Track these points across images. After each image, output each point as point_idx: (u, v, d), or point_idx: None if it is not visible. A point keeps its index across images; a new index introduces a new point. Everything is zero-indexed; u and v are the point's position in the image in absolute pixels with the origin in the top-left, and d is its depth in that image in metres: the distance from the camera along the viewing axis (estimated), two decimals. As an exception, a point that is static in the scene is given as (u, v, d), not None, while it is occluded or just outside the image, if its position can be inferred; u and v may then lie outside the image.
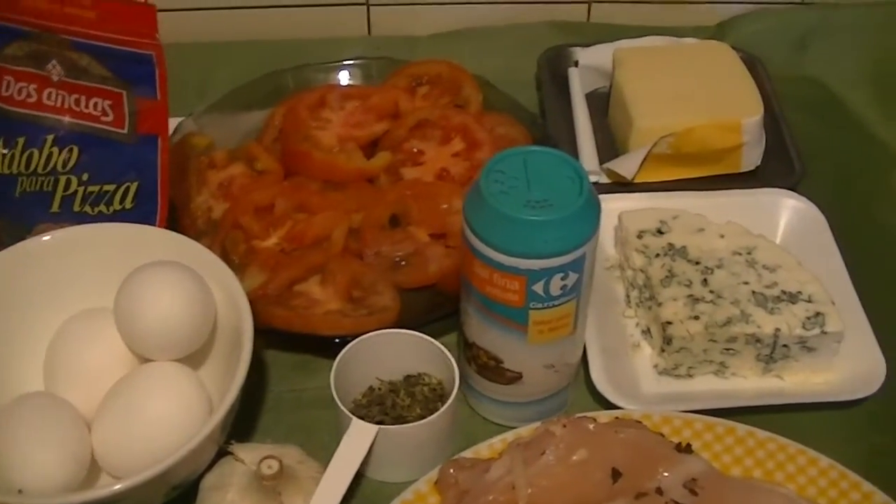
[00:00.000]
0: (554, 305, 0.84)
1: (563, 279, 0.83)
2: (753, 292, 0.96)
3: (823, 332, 0.94)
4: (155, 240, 0.96)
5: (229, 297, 0.92)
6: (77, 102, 0.99)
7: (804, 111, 1.25)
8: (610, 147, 1.18)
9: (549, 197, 0.81)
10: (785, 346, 0.95)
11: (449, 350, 0.92)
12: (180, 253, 0.93)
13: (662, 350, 0.96)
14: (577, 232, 0.81)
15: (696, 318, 0.94)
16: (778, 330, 0.94)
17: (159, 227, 0.99)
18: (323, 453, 0.88)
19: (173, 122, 1.14)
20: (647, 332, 1.00)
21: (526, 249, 0.81)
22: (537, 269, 0.81)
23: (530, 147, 0.86)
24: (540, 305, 0.84)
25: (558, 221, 0.80)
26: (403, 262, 1.05)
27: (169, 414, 0.87)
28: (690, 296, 0.96)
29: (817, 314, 0.94)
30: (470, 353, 0.91)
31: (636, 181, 1.12)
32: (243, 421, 0.94)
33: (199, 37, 1.35)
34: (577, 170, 0.83)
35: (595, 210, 0.83)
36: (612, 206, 1.06)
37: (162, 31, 1.31)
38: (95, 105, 0.99)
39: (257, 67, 1.26)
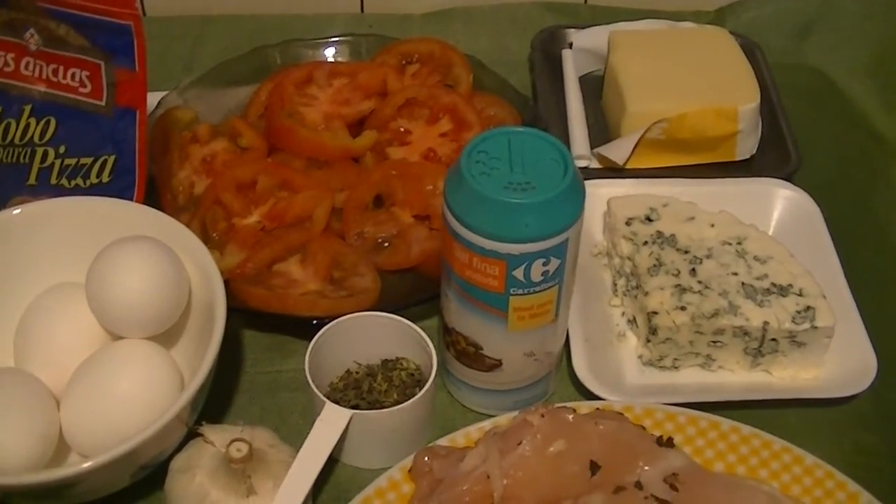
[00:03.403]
0: (535, 292, 0.82)
1: (544, 265, 0.80)
2: (743, 284, 0.94)
3: (813, 327, 0.91)
4: (129, 215, 0.93)
5: (204, 274, 0.90)
6: (55, 73, 0.97)
7: (803, 100, 1.23)
8: (603, 131, 1.15)
9: (531, 179, 0.79)
10: (774, 340, 0.92)
11: (430, 335, 0.89)
12: (155, 228, 0.91)
13: (648, 341, 0.93)
14: (559, 216, 0.79)
15: (683, 308, 0.92)
16: (766, 323, 0.91)
17: (137, 201, 0.97)
18: (297, 437, 0.86)
19: (158, 96, 1.12)
20: (632, 322, 0.97)
21: (506, 233, 0.78)
22: (517, 253, 0.79)
23: (515, 128, 0.84)
24: (520, 291, 0.82)
25: (539, 205, 0.78)
26: (386, 244, 1.02)
27: (138, 393, 0.85)
28: (678, 286, 0.94)
29: (808, 308, 0.92)
30: (449, 339, 0.89)
31: (628, 167, 1.09)
32: (217, 402, 0.92)
33: (187, 10, 1.33)
34: (562, 152, 0.81)
35: (579, 194, 0.80)
36: (602, 191, 1.03)
37: (149, 3, 1.30)
38: (73, 76, 0.97)
39: (246, 42, 1.24)
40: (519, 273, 0.80)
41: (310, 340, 0.89)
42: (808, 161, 1.11)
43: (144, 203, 0.97)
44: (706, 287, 0.93)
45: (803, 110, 1.21)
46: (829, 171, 1.15)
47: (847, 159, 1.18)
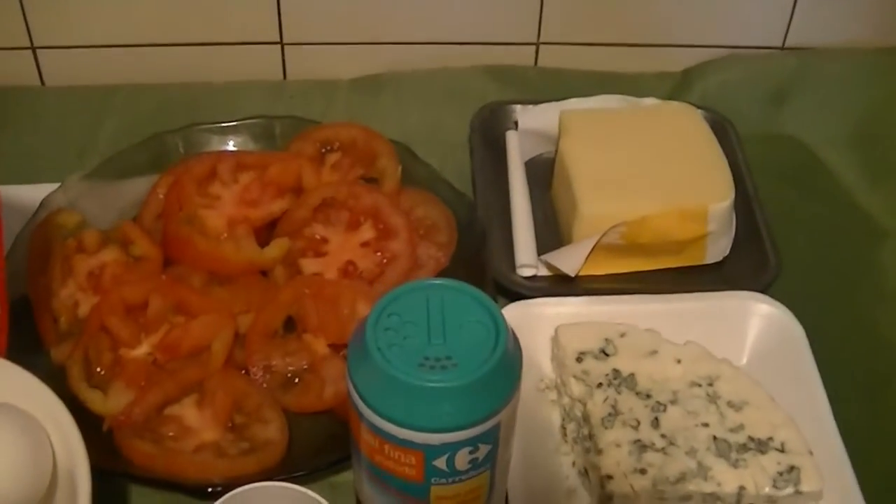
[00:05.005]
0: (461, 480, 0.68)
1: (471, 453, 0.66)
2: (714, 438, 0.79)
3: (798, 492, 0.77)
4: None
5: (66, 443, 0.74)
6: None
7: (780, 178, 1.09)
8: (553, 227, 1.00)
9: (453, 353, 0.64)
10: (751, 504, 0.78)
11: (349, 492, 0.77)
12: (13, 389, 0.76)
13: (602, 503, 0.79)
14: (487, 400, 0.64)
15: (643, 471, 0.78)
16: (742, 488, 0.77)
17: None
18: None
19: (47, 189, 0.97)
20: (584, 475, 0.82)
21: (421, 422, 0.64)
22: (437, 443, 0.64)
23: (435, 280, 0.69)
24: (444, 481, 0.67)
25: (463, 388, 0.63)
26: (296, 380, 0.88)
27: None
28: (637, 441, 0.79)
29: (791, 469, 0.78)
30: (364, 517, 0.74)
31: (581, 274, 0.94)
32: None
33: (88, 79, 1.17)
34: (491, 312, 0.66)
35: (513, 367, 0.66)
36: (550, 312, 0.89)
37: (47, 72, 1.15)
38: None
39: (149, 118, 1.11)
40: (441, 463, 0.66)
41: (208, 500, 0.75)
42: (787, 250, 0.98)
43: (19, 331, 0.84)
44: (671, 443, 0.79)
45: (781, 189, 1.07)
46: (810, 259, 1.02)
47: (830, 244, 1.04)
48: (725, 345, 0.87)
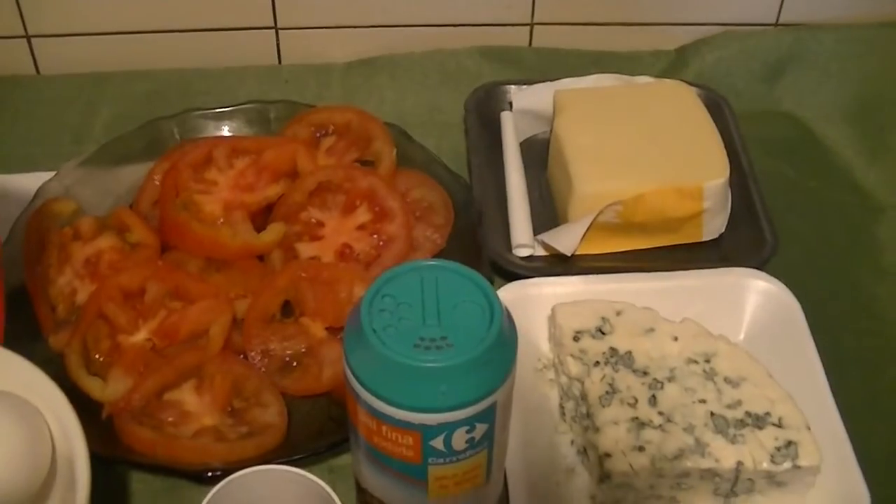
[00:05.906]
0: (459, 460, 0.68)
1: (468, 432, 0.66)
2: (712, 414, 0.79)
3: (796, 467, 0.77)
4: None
5: (65, 431, 0.75)
6: None
7: (776, 154, 1.09)
8: (549, 207, 1.00)
9: (448, 333, 0.64)
10: (749, 479, 0.78)
11: (348, 474, 0.76)
12: (11, 377, 0.76)
13: (601, 481, 0.79)
14: (483, 379, 0.64)
15: (641, 448, 0.78)
16: (740, 464, 0.77)
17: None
18: None
19: (42, 177, 0.97)
20: (583, 453, 0.83)
21: (418, 402, 0.64)
22: (434, 423, 0.64)
23: (429, 261, 0.69)
24: (441, 461, 0.67)
25: (458, 368, 0.63)
26: (295, 363, 0.88)
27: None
28: (635, 419, 0.79)
29: (789, 443, 0.78)
30: (363, 499, 0.75)
31: (577, 253, 0.94)
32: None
33: (81, 67, 1.17)
34: (486, 292, 0.66)
35: (509, 348, 0.66)
36: (546, 291, 0.89)
37: (42, 62, 1.15)
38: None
39: (143, 105, 1.11)
40: (438, 443, 0.66)
41: (208, 485, 0.75)
42: (783, 226, 0.98)
43: (17, 319, 0.85)
44: (668, 420, 0.79)
45: (777, 166, 1.08)
46: (807, 235, 1.02)
47: (827, 220, 1.04)
48: (722, 322, 0.87)
